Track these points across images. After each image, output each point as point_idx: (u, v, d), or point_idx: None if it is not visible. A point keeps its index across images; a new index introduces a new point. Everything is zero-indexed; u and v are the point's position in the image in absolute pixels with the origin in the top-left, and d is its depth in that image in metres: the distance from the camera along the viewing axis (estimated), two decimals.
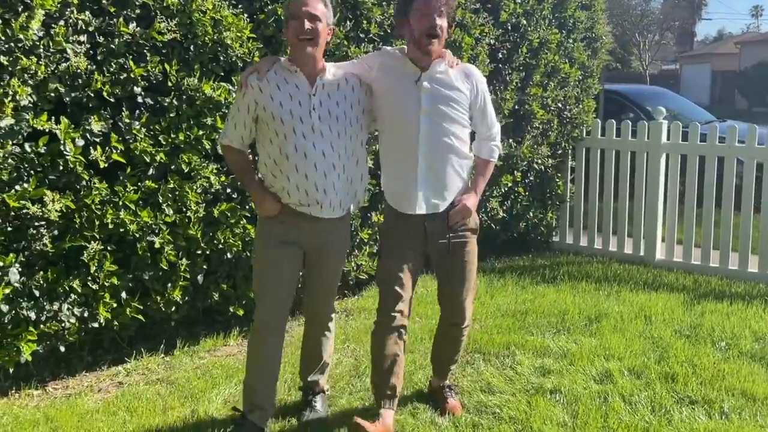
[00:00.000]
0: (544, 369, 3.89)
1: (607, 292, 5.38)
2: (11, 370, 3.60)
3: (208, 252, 4.15)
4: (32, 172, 3.34)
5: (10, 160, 3.23)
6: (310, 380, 3.45)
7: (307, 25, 2.84)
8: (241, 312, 4.49)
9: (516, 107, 5.98)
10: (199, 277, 4.18)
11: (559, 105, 6.41)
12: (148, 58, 3.60)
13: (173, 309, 4.11)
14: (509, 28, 5.77)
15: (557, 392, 3.59)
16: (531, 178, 6.50)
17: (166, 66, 3.67)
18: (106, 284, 3.74)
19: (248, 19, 3.99)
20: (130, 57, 3.54)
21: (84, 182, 3.51)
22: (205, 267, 4.19)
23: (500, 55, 5.72)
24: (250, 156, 3.29)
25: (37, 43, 3.16)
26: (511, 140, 6.07)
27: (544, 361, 4.00)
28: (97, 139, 3.52)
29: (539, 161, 6.37)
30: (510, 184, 6.16)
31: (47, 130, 3.31)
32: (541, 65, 6.10)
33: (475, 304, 5.03)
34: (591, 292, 5.37)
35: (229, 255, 4.25)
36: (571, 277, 5.77)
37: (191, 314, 4.35)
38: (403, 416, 3.39)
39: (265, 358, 3.15)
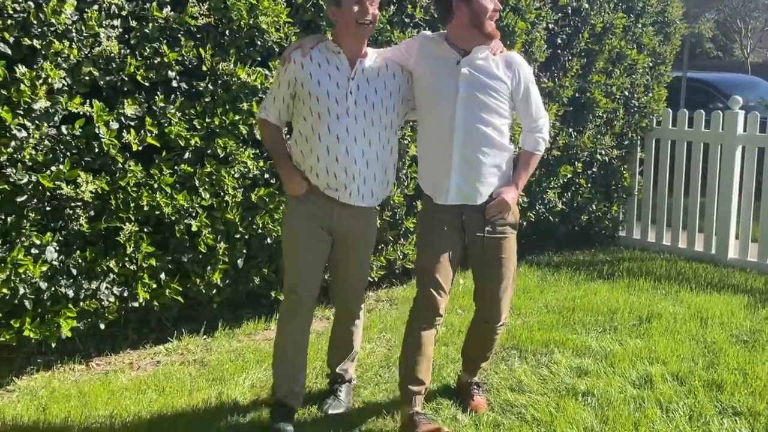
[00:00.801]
0: (581, 369, 3.70)
1: (665, 291, 5.09)
2: (53, 345, 3.73)
3: (247, 236, 4.17)
4: (68, 153, 3.42)
5: (46, 142, 3.32)
6: (338, 370, 3.42)
7: (372, 9, 2.80)
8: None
9: (576, 95, 5.73)
10: (239, 261, 4.20)
11: (626, 93, 6.10)
12: (182, 42, 3.63)
13: (214, 292, 4.16)
14: (569, 11, 5.52)
15: (590, 395, 3.41)
16: (594, 170, 6.22)
17: (201, 51, 3.69)
18: (144, 265, 3.81)
19: (285, 4, 3.96)
20: (164, 41, 3.58)
21: (119, 165, 3.57)
22: (244, 251, 4.22)
23: (559, 41, 5.48)
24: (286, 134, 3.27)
25: (70, 28, 3.23)
26: (571, 129, 5.82)
27: (582, 361, 3.82)
28: (132, 123, 3.57)
29: (602, 152, 6.09)
30: (570, 175, 5.92)
31: (82, 113, 3.38)
32: (605, 51, 5.81)
33: (523, 299, 4.89)
34: (648, 291, 5.10)
35: (269, 240, 4.26)
36: (631, 274, 5.50)
37: (236, 297, 4.40)
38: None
39: (294, 340, 3.14)
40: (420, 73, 3.02)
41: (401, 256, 5.02)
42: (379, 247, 4.90)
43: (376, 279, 4.95)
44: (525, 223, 5.84)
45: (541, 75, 5.45)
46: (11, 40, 3.11)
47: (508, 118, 3.02)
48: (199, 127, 3.77)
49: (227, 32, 3.76)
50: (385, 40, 4.30)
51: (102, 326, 3.84)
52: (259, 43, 3.91)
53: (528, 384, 3.55)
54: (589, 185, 6.21)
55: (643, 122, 6.32)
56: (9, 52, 3.11)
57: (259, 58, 3.96)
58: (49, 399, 3.47)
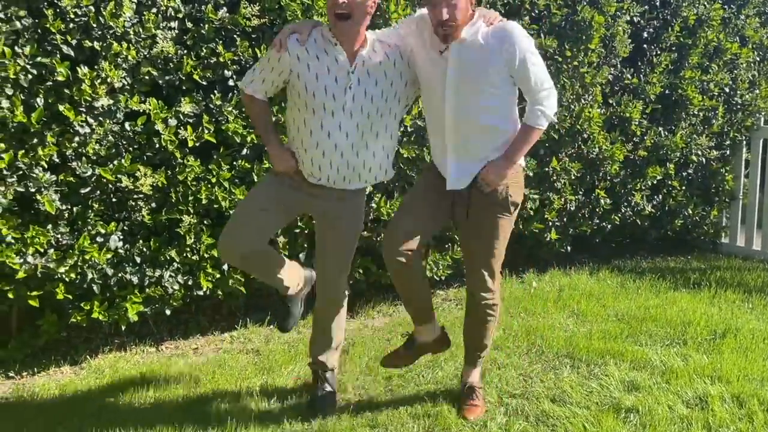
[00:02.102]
0: (633, 384, 3.50)
1: (752, 305, 4.71)
2: (124, 328, 3.97)
3: (306, 231, 4.26)
4: (130, 149, 3.64)
5: (109, 137, 3.54)
6: (319, 358, 3.39)
7: None
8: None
9: (666, 92, 5.39)
10: (301, 255, 4.30)
11: (726, 90, 5.67)
12: (237, 42, 3.75)
13: None
14: (657, 4, 5.21)
15: (634, 412, 3.21)
16: (689, 171, 5.85)
17: (257, 50, 3.80)
18: (207, 255, 3.98)
19: None
20: (220, 42, 3.71)
21: (178, 160, 3.75)
22: (305, 246, 4.31)
23: (645, 35, 5.19)
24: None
25: (128, 30, 3.42)
26: (660, 128, 5.49)
27: (637, 375, 3.60)
28: (190, 120, 3.74)
29: (699, 152, 5.70)
30: (659, 177, 5.59)
31: (142, 111, 3.58)
32: (700, 45, 5.43)
33: (592, 306, 4.69)
34: (733, 304, 4.74)
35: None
36: (719, 285, 5.12)
37: None
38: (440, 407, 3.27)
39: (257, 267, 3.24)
40: (416, 56, 2.96)
41: None
42: (446, 246, 4.85)
43: (443, 278, 4.91)
44: (609, 226, 5.59)
45: (624, 71, 5.18)
46: (74, 42, 3.34)
47: (507, 95, 2.89)
48: None
49: None
50: None
51: (168, 312, 4.05)
52: None
53: (571, 395, 3.40)
54: (684, 188, 5.84)
55: (747, 121, 5.86)
56: (72, 53, 3.35)
57: None
58: (111, 378, 3.71)
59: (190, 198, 3.83)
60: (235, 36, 3.76)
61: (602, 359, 3.81)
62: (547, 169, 5.02)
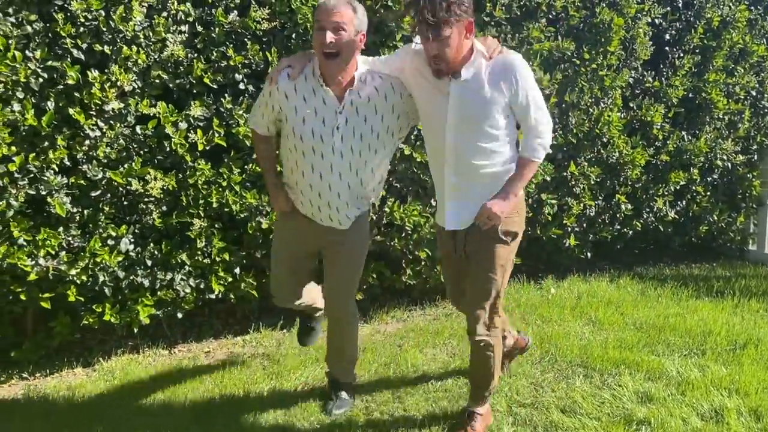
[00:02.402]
0: (647, 395, 3.41)
1: None
2: (136, 330, 3.99)
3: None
4: (141, 152, 3.64)
5: (120, 141, 3.55)
6: (334, 372, 3.42)
7: (330, 37, 2.63)
8: (359, 296, 4.54)
9: (689, 95, 5.27)
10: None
11: (753, 94, 5.52)
12: (248, 46, 3.74)
13: None
14: (679, 5, 5.09)
15: (645, 424, 3.13)
16: (714, 177, 5.71)
17: (267, 54, 3.78)
18: (218, 259, 3.97)
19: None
20: (231, 45, 3.70)
21: (188, 163, 3.75)
22: None
23: (667, 37, 5.08)
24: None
25: (139, 34, 3.43)
26: (683, 133, 5.37)
27: (652, 385, 3.51)
28: (200, 124, 3.74)
29: (724, 157, 5.56)
30: (683, 182, 5.46)
31: (152, 114, 3.59)
32: (725, 47, 5.30)
33: (609, 313, 4.60)
34: (756, 313, 4.60)
35: None
36: (744, 294, 4.99)
37: None
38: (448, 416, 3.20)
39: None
40: (414, 91, 2.87)
41: None
42: None
43: None
44: (631, 232, 5.48)
45: (645, 74, 5.07)
46: (84, 46, 3.35)
47: (509, 133, 2.82)
48: None
49: (293, 35, 3.83)
50: None
51: (180, 315, 4.05)
52: None
53: (582, 406, 3.32)
54: (709, 193, 5.70)
55: None
56: (82, 57, 3.36)
57: None
58: (121, 380, 3.72)
59: (201, 201, 3.83)
60: (245, 39, 3.75)
61: (617, 369, 3.72)
62: (565, 173, 4.94)
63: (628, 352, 3.92)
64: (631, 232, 5.49)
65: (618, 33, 4.70)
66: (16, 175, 3.34)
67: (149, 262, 3.82)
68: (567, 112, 4.77)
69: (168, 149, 3.68)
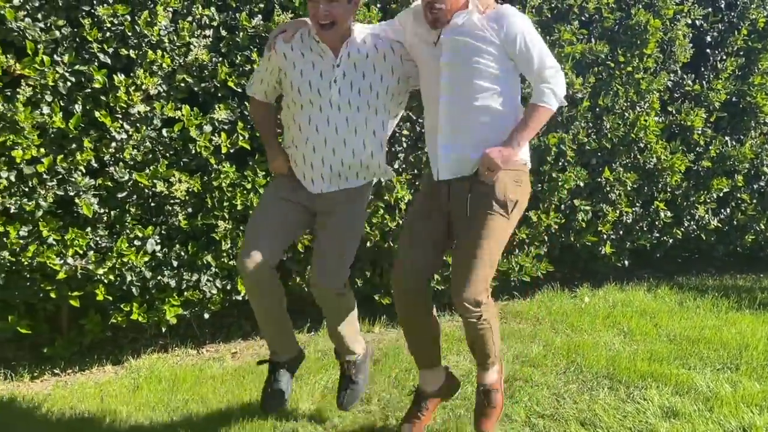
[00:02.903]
0: (673, 410, 3.29)
1: None
2: (164, 330, 4.05)
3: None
4: (167, 154, 3.70)
5: (147, 143, 3.62)
6: (340, 358, 3.30)
7: (323, 10, 2.64)
8: (386, 301, 4.52)
9: (732, 99, 5.08)
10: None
11: None
12: None
13: None
14: (722, 6, 4.92)
15: None
16: (761, 184, 5.49)
17: None
18: None
19: (378, 10, 3.94)
20: (255, 49, 3.73)
21: (213, 166, 3.79)
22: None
23: (708, 38, 4.90)
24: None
25: (163, 38, 3.49)
26: (727, 138, 5.18)
27: (679, 400, 3.39)
28: (225, 127, 3.78)
29: None
30: (726, 189, 5.27)
31: (177, 118, 3.65)
32: None
33: (644, 324, 4.46)
34: None
35: (369, 244, 4.30)
36: None
37: None
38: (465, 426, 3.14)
39: (262, 310, 3.06)
40: (411, 47, 2.85)
41: (517, 268, 4.80)
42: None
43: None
44: (671, 240, 5.31)
45: (684, 77, 4.91)
46: (110, 50, 3.43)
47: (507, 78, 2.71)
48: None
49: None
50: None
51: (207, 316, 4.10)
52: None
53: (603, 419, 3.22)
54: (755, 201, 5.49)
55: None
56: (108, 61, 3.44)
57: None
58: (145, 380, 3.78)
59: (226, 204, 3.86)
60: None
61: (644, 382, 3.61)
62: (599, 179, 4.82)
63: (657, 364, 3.80)
64: (670, 241, 5.33)
65: (655, 35, 4.56)
66: (44, 176, 3.43)
67: (175, 263, 3.87)
68: (601, 117, 4.66)
69: (193, 152, 3.73)
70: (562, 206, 4.77)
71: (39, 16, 3.29)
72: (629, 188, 4.93)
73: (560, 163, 4.67)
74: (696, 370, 3.75)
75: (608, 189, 4.85)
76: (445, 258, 3.47)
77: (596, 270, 5.36)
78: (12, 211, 3.42)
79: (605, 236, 5.01)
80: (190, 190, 3.75)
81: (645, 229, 5.22)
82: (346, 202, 2.96)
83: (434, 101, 2.76)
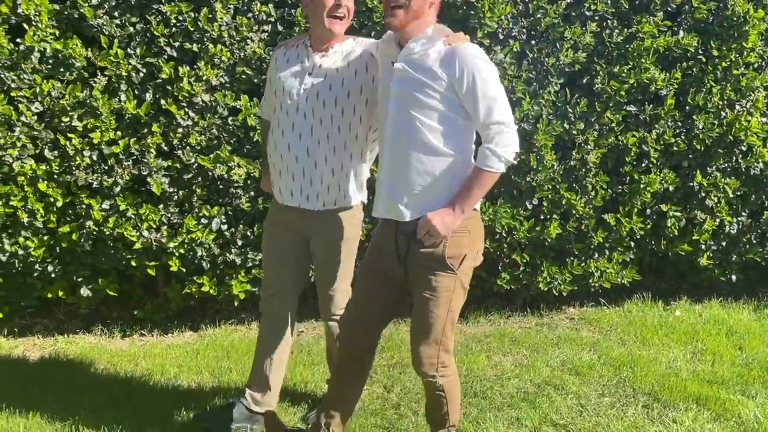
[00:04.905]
0: None
1: None
2: (236, 303, 4.38)
3: None
4: (230, 141, 4.00)
5: (213, 130, 3.94)
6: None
7: (346, 2, 2.69)
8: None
9: None
10: None
11: None
12: None
13: None
14: None
15: None
16: None
17: None
18: None
19: None
20: None
21: None
22: None
23: None
24: None
25: (223, 33, 3.77)
26: None
27: (713, 427, 3.10)
28: None
29: None
30: None
31: (239, 107, 3.93)
32: None
33: (718, 340, 4.08)
34: None
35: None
36: None
37: None
38: None
39: (262, 337, 3.15)
40: (380, 65, 2.75)
41: (596, 273, 4.57)
42: (566, 260, 4.54)
43: (564, 294, 4.61)
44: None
45: None
46: (176, 44, 3.77)
47: (451, 118, 2.51)
48: None
49: (372, 33, 3.92)
50: (556, 38, 3.99)
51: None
52: None
53: None
54: None
55: None
56: (175, 54, 3.79)
57: None
58: (205, 347, 4.12)
59: None
60: None
61: (685, 404, 3.33)
62: (691, 184, 4.43)
63: (709, 387, 3.48)
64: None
65: (757, 26, 4.10)
66: (120, 156, 3.87)
67: (240, 242, 4.16)
68: (690, 116, 4.28)
69: (254, 139, 3.99)
70: (648, 210, 4.46)
71: (116, 13, 3.70)
72: (731, 195, 4.49)
73: (643, 165, 4.37)
74: (752, 398, 3.38)
75: (703, 195, 4.45)
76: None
77: (697, 283, 4.94)
78: (94, 186, 3.89)
79: (703, 246, 4.60)
80: (250, 174, 4.02)
81: (755, 241, 4.72)
82: (324, 227, 2.94)
83: (383, 126, 2.65)
